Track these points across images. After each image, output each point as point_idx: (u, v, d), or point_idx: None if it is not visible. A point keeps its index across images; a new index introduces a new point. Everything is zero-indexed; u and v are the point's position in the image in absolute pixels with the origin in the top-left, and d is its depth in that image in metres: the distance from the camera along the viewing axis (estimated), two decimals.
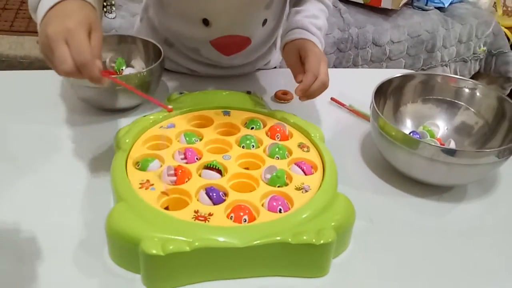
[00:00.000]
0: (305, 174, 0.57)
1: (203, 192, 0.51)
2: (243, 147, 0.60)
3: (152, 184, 0.52)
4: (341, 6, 1.84)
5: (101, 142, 0.66)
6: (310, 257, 0.48)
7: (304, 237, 0.47)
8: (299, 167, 0.57)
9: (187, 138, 0.61)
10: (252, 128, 0.65)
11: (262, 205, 0.51)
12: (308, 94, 0.64)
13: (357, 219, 0.52)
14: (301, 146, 0.62)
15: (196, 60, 0.83)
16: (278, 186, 0.54)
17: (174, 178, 0.53)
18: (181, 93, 0.73)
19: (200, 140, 0.62)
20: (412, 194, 0.62)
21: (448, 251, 0.54)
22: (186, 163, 0.57)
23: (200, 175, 0.55)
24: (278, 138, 0.63)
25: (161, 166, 0.56)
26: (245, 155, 0.59)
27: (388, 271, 0.51)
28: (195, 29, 0.76)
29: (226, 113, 0.67)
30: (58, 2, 0.52)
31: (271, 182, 0.54)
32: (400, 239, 0.55)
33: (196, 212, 0.49)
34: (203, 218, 0.48)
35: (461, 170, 0.58)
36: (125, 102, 0.73)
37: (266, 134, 0.64)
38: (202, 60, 0.82)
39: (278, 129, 0.64)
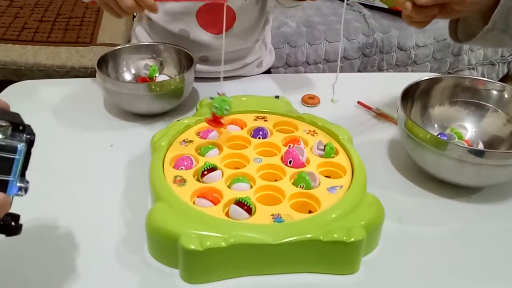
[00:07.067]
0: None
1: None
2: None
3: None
4: (365, 11, 1.85)
5: (138, 145, 0.69)
6: (340, 254, 0.49)
7: (335, 235, 0.48)
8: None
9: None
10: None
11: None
12: None
13: (386, 219, 0.54)
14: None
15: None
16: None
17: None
18: (212, 98, 0.76)
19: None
20: (440, 195, 0.63)
21: (477, 252, 0.55)
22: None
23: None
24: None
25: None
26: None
27: (416, 270, 0.52)
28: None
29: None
30: None
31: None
32: (428, 239, 0.56)
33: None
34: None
35: (490, 171, 0.59)
36: (159, 108, 0.77)
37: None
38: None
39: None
